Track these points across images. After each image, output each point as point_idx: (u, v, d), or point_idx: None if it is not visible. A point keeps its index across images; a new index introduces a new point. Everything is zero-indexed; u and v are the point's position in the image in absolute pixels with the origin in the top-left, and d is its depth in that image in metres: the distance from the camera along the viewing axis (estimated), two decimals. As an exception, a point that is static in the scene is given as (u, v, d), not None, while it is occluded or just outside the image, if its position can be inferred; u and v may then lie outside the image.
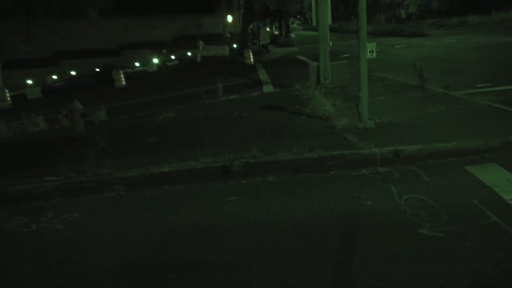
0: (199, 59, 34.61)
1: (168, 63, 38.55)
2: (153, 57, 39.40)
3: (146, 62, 39.81)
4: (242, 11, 41.09)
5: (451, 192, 5.38)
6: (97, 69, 36.34)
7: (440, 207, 5.00)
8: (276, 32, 62.38)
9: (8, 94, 23.89)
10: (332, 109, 9.58)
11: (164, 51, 43.80)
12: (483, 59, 17.72)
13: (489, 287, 3.52)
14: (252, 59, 29.88)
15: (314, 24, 14.32)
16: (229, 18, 43.65)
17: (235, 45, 40.95)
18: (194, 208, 5.80)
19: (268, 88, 17.05)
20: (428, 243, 4.27)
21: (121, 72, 25.96)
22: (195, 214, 5.61)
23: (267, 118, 10.05)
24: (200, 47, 36.74)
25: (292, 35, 56.58)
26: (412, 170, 6.27)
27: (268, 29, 56.04)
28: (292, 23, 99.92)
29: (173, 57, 41.97)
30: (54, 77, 36.87)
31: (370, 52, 8.05)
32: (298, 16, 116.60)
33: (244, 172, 6.71)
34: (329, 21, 13.89)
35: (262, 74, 22.71)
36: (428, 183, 5.75)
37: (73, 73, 36.53)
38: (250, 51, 30.65)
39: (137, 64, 41.04)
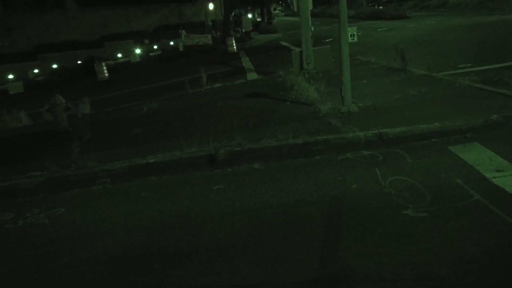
0: (181, 49, 34.37)
1: (150, 54, 38.33)
2: (136, 47, 39.09)
3: (128, 53, 39.48)
4: (224, -2, 40.80)
5: (435, 173, 5.44)
6: (79, 62, 35.97)
7: (424, 188, 5.06)
8: (258, 19, 62.11)
9: (-11, 90, 23.61)
10: (315, 95, 9.60)
11: (146, 41, 43.48)
12: (463, 39, 17.80)
13: (469, 263, 3.58)
14: (235, 47, 29.76)
15: (295, 9, 14.29)
16: (211, 6, 43.37)
17: (217, 33, 40.73)
18: (180, 198, 5.82)
19: (251, 76, 17.02)
20: (412, 223, 4.33)
21: (103, 64, 25.73)
22: (182, 204, 5.63)
23: (251, 106, 10.05)
24: (182, 36, 36.47)
25: (274, 21, 56.35)
26: (396, 152, 6.32)
27: (250, 16, 55.72)
28: (275, 9, 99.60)
29: (155, 47, 41.68)
30: (36, 71, 36.47)
31: (351, 36, 8.04)
32: (280, 2, 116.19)
33: (229, 160, 6.73)
34: (310, 6, 13.87)
35: (246, 62, 22.63)
36: (412, 164, 5.81)
37: (54, 66, 36.13)
38: (233, 39, 30.50)
39: (119, 55, 40.69)
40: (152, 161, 6.89)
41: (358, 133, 6.80)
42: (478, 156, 5.76)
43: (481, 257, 3.64)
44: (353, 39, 8.09)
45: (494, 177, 5.09)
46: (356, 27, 8.13)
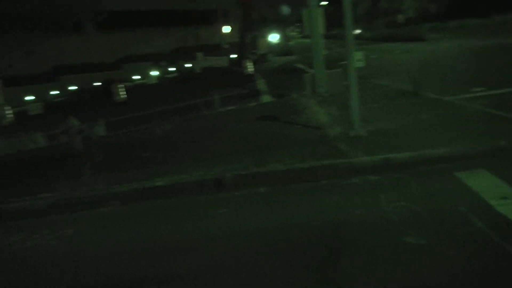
0: (198, 70, 34.76)
1: (167, 75, 38.78)
2: (152, 69, 39.63)
3: (146, 74, 40.01)
4: (240, 21, 41.27)
5: (439, 199, 5.42)
6: (97, 83, 36.56)
7: (426, 215, 5.03)
8: (275, 41, 62.60)
9: (9, 111, 24.09)
10: (325, 118, 9.65)
11: (163, 63, 44.03)
12: (478, 62, 17.76)
13: (467, 294, 3.56)
14: (251, 69, 30.03)
15: (307, 33, 14.42)
16: (227, 29, 43.87)
17: (234, 55, 41.14)
18: (184, 221, 5.88)
19: (265, 98, 17.15)
20: (411, 251, 4.31)
21: (120, 86, 26.12)
22: (185, 227, 5.69)
23: (262, 129, 10.13)
24: (199, 58, 36.90)
25: (291, 43, 56.74)
26: (402, 177, 6.31)
27: (275, 36, 56.04)
28: (292, 31, 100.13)
29: (172, 69, 42.19)
30: (55, 92, 37.16)
31: (358, 60, 8.11)
32: (297, 24, 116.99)
33: (236, 184, 6.78)
34: (322, 31, 13.96)
35: (260, 84, 22.80)
36: (417, 190, 5.79)
37: (73, 88, 36.80)
38: (249, 61, 30.80)
39: (136, 77, 41.27)
40: (159, 184, 6.97)
41: (365, 157, 6.81)
42: (484, 183, 5.72)
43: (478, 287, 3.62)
44: (360, 63, 8.15)
45: (498, 205, 5.05)
46: (362, 52, 8.23)
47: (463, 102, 9.87)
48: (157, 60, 44.67)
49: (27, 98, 33.24)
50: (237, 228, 5.41)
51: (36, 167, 9.65)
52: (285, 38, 59.62)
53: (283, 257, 4.52)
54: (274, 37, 54.66)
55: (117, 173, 8.05)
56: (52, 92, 36.72)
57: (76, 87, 36.74)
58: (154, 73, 38.57)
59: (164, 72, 40.23)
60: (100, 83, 35.70)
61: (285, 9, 42.36)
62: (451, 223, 4.77)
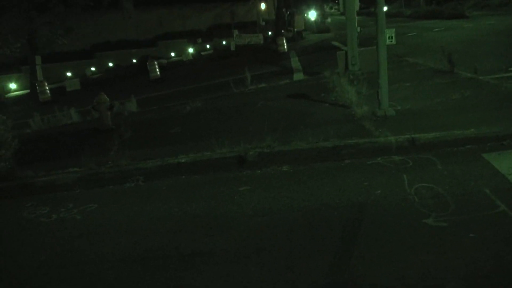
0: (233, 48, 34.68)
1: (202, 53, 38.87)
2: (189, 47, 39.73)
3: (182, 52, 40.18)
4: (277, -3, 40.80)
5: (463, 181, 5.27)
6: (134, 60, 36.94)
7: (449, 196, 4.91)
8: (312, 19, 61.80)
9: (47, 87, 24.61)
10: (355, 97, 9.46)
11: (199, 40, 44.07)
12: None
13: (481, 278, 3.46)
14: (285, 47, 29.79)
15: (341, 10, 14.16)
16: (263, 6, 43.49)
17: (270, 32, 40.84)
18: (206, 198, 5.90)
19: (298, 76, 17.01)
20: (430, 233, 4.21)
21: (156, 62, 26.31)
22: (206, 204, 5.71)
23: (290, 107, 10.05)
24: (235, 36, 36.79)
25: (329, 20, 55.85)
26: (428, 158, 6.16)
27: (314, 13, 55.22)
28: (331, 8, 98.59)
29: (208, 46, 42.22)
30: (92, 69, 37.76)
31: (389, 38, 7.91)
32: (336, 1, 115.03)
33: (259, 162, 6.76)
34: (357, 8, 13.68)
35: (294, 62, 22.61)
36: (442, 171, 5.65)
37: (110, 64, 37.28)
38: (284, 38, 30.51)
39: (172, 54, 41.48)
40: (183, 161, 7.00)
41: (390, 137, 6.67)
42: (511, 165, 5.53)
43: (495, 272, 3.51)
44: (391, 41, 7.96)
45: (524, 188, 4.89)
46: (394, 29, 8.03)
47: (499, 81, 9.53)
48: (194, 37, 44.75)
49: (65, 74, 33.90)
50: (257, 207, 5.40)
51: (67, 142, 9.86)
52: (323, 15, 58.76)
53: (300, 239, 4.48)
54: (312, 14, 53.96)
55: (144, 149, 8.14)
56: (90, 69, 37.39)
57: (112, 64, 37.18)
58: (190, 50, 38.68)
59: (199, 49, 40.34)
60: (136, 60, 36.13)
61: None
62: (473, 206, 4.64)
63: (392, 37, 7.93)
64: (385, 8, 6.96)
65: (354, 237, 4.37)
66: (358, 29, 14.03)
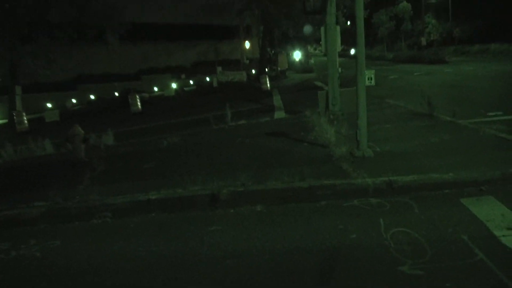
0: (215, 84, 34.74)
1: (186, 88, 38.88)
2: (172, 82, 39.77)
3: (165, 86, 40.16)
4: (261, 37, 41.27)
5: (441, 227, 5.10)
6: (116, 93, 36.75)
7: (426, 243, 4.73)
8: (296, 59, 62.55)
9: (25, 117, 24.24)
10: (333, 137, 9.35)
11: (183, 76, 44.17)
12: (499, 87, 17.35)
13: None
14: (268, 85, 29.87)
15: (323, 51, 14.21)
16: (247, 44, 43.92)
17: (253, 71, 41.12)
18: (174, 237, 5.64)
19: (279, 114, 16.94)
20: (405, 281, 4.01)
21: (137, 96, 26.14)
22: (174, 244, 5.44)
23: (268, 145, 9.88)
24: (218, 72, 36.96)
25: (312, 61, 56.57)
26: (405, 201, 6.00)
27: (289, 55, 56.00)
28: (315, 49, 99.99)
29: (191, 82, 42.33)
30: (74, 101, 37.46)
31: (368, 79, 7.85)
32: (320, 42, 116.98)
33: (232, 201, 6.52)
34: (339, 49, 13.71)
35: (277, 100, 22.61)
36: (419, 216, 5.48)
37: (92, 97, 37.04)
38: (267, 76, 30.66)
39: (155, 88, 41.46)
40: (153, 197, 6.74)
41: (367, 179, 6.50)
42: (490, 212, 5.39)
43: (472, 326, 3.31)
44: (371, 82, 7.90)
45: (503, 235, 4.73)
46: (374, 70, 7.96)
47: (478, 126, 9.53)
48: (178, 73, 44.86)
49: (46, 105, 33.57)
50: (227, 248, 5.16)
51: (36, 175, 9.51)
52: (306, 55, 59.49)
53: (271, 283, 4.24)
54: (296, 55, 54.59)
55: (115, 184, 7.85)
56: (71, 100, 37.10)
57: (94, 97, 36.94)
58: (173, 85, 38.70)
59: (183, 84, 40.35)
60: (118, 94, 35.93)
61: (307, 27, 42.13)
62: (451, 253, 4.46)
63: (371, 78, 7.88)
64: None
65: (326, 283, 4.15)
66: (340, 69, 14.03)
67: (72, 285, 4.69)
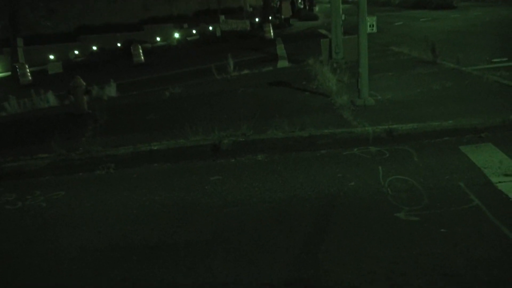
0: (219, 34, 34.24)
1: (188, 38, 38.29)
2: (174, 31, 39.20)
3: (167, 36, 39.62)
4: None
5: (439, 174, 5.16)
6: (119, 44, 36.32)
7: (423, 190, 4.80)
8: (300, 6, 61.34)
9: (28, 70, 24.10)
10: (335, 86, 9.31)
11: (186, 25, 43.46)
12: (506, 33, 17.03)
13: (449, 276, 3.34)
14: (272, 34, 29.45)
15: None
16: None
17: (257, 19, 40.42)
18: (176, 187, 5.73)
19: (282, 63, 16.78)
20: (401, 227, 4.09)
21: (139, 47, 25.89)
22: (176, 193, 5.54)
23: (270, 95, 9.87)
24: (221, 21, 36.38)
25: (317, 8, 55.54)
26: (405, 149, 6.05)
27: (293, 2, 54.87)
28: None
29: (194, 31, 41.67)
30: (76, 52, 37.06)
31: (370, 26, 7.74)
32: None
33: (233, 151, 6.59)
34: (341, -6, 13.48)
35: (280, 49, 22.33)
36: (417, 163, 5.53)
37: (94, 48, 36.62)
38: (270, 25, 30.18)
39: (158, 39, 40.93)
40: (156, 148, 6.82)
41: (367, 127, 6.53)
42: (488, 158, 5.43)
43: (464, 270, 3.39)
44: (372, 29, 7.79)
45: (499, 182, 4.78)
46: (375, 17, 7.85)
47: (481, 72, 9.44)
48: (180, 22, 44.14)
49: (48, 57, 33.27)
50: (227, 197, 5.25)
51: (40, 127, 9.58)
52: (310, 2, 58.29)
53: (268, 232, 4.33)
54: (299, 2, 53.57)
55: (117, 136, 7.92)
56: (73, 52, 36.71)
57: (96, 48, 36.52)
58: (176, 35, 38.14)
59: (185, 34, 39.77)
60: (120, 44, 35.52)
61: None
62: (447, 200, 4.53)
63: (373, 25, 7.79)
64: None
65: (323, 230, 4.23)
66: (343, 16, 13.85)
67: (78, 233, 4.81)
